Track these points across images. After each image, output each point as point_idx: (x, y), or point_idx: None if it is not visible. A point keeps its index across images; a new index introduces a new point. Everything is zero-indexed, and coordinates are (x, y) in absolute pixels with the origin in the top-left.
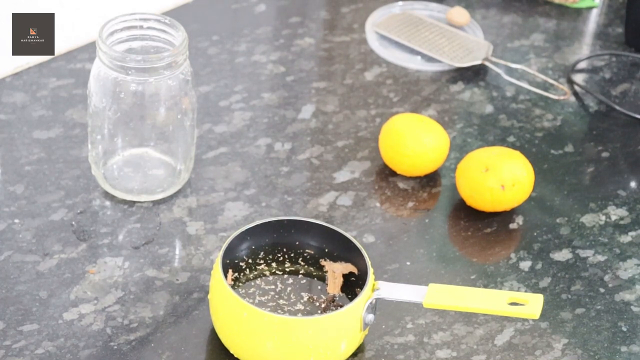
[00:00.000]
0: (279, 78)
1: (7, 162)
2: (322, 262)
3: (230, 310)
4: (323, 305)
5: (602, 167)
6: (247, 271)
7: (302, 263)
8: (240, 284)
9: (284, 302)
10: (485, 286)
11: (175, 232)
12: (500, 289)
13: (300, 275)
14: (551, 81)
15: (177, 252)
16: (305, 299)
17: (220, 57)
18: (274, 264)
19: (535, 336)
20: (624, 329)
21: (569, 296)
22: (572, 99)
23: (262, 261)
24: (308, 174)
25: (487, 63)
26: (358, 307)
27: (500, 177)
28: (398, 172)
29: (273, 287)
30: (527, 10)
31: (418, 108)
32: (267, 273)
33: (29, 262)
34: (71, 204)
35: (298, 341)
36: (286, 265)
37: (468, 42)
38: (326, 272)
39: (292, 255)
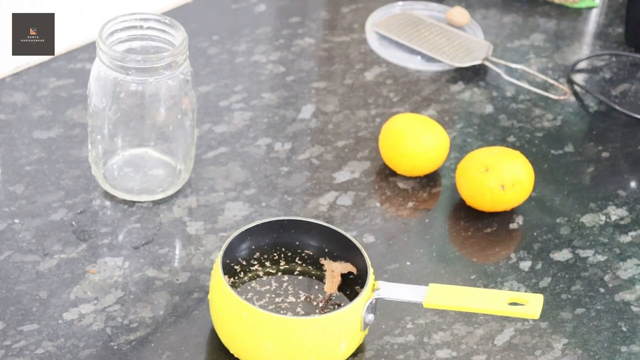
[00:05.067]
0: (279, 78)
1: (7, 162)
2: (322, 260)
3: (230, 310)
4: (320, 305)
5: (602, 167)
6: (247, 271)
7: (302, 263)
8: (240, 285)
9: (281, 302)
10: (485, 286)
11: (175, 232)
12: (500, 289)
13: (299, 275)
14: (551, 81)
15: (177, 252)
16: (303, 298)
17: (220, 57)
18: (273, 264)
19: (535, 336)
20: (624, 329)
21: (569, 296)
22: (572, 99)
23: (261, 261)
24: (308, 174)
25: (487, 63)
26: (358, 307)
27: (500, 177)
28: (398, 172)
29: (272, 286)
30: (527, 10)
31: (418, 108)
32: (266, 273)
33: (29, 262)
34: (71, 204)
35: (298, 341)
36: (285, 265)
37: (468, 42)
38: (325, 271)
39: (292, 255)
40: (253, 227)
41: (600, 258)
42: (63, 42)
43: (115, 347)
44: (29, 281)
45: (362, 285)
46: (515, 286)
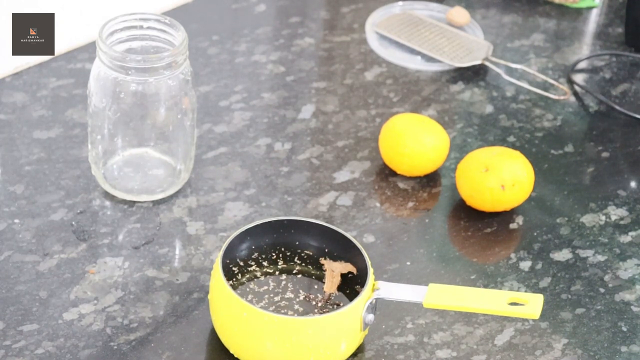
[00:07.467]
0: (279, 78)
1: (7, 162)
2: (322, 260)
3: (230, 310)
4: (320, 304)
5: (602, 167)
6: (247, 271)
7: (302, 263)
8: (240, 285)
9: (280, 300)
10: (485, 286)
11: (175, 232)
12: (500, 289)
13: (299, 275)
14: (551, 81)
15: (177, 252)
16: (302, 297)
17: (220, 57)
18: (273, 264)
19: (535, 336)
20: (624, 329)
21: (569, 296)
22: (572, 99)
23: (261, 261)
24: (308, 174)
25: (487, 63)
26: (358, 307)
27: (500, 177)
28: (398, 172)
29: (272, 286)
30: (527, 10)
31: (418, 108)
32: (266, 273)
33: (29, 262)
34: (71, 204)
35: (298, 341)
36: (285, 265)
37: (468, 42)
38: (324, 271)
39: (292, 255)
40: (253, 227)
41: (600, 258)
42: (63, 42)
43: (115, 347)
44: (29, 281)
45: (362, 285)
46: (515, 286)
